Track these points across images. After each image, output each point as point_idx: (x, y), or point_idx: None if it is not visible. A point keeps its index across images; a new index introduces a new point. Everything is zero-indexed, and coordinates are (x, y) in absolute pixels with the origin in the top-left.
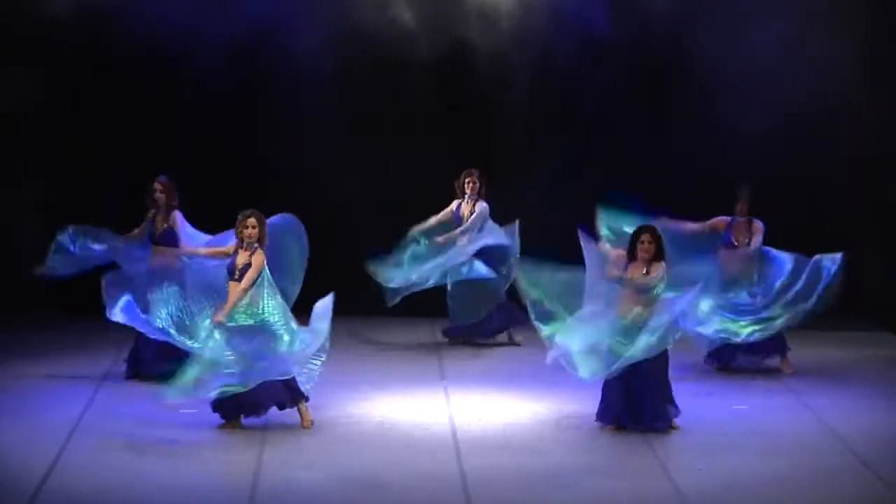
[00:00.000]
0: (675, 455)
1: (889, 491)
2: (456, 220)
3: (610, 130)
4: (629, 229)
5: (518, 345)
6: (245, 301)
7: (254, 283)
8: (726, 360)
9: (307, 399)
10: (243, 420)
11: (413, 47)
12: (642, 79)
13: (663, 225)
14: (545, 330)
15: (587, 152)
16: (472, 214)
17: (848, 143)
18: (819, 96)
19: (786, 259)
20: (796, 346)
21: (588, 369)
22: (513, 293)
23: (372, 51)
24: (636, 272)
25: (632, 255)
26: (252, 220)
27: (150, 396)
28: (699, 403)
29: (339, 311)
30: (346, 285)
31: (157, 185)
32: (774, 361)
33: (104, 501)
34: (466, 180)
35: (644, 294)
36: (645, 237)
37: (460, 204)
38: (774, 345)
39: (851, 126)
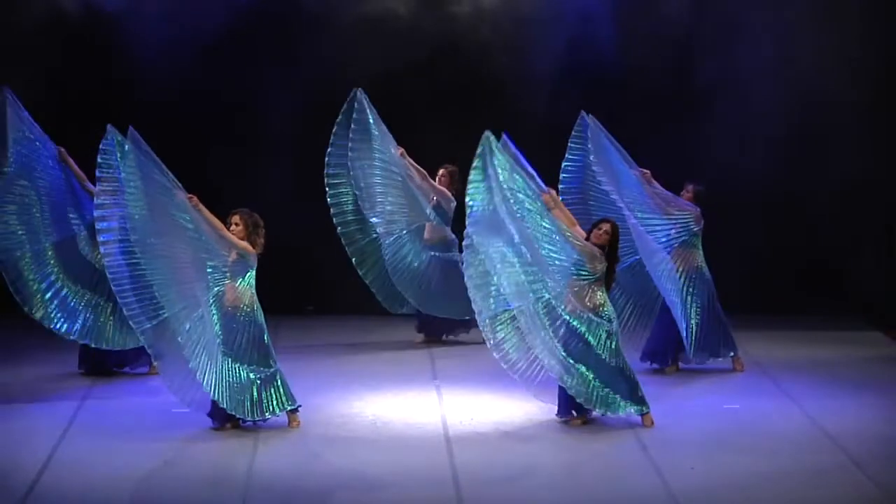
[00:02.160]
0: (666, 454)
1: (880, 491)
2: None
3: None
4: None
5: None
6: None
7: (233, 246)
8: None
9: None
10: (242, 423)
11: (412, 47)
12: (642, 84)
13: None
14: None
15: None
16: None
17: (841, 146)
18: (818, 105)
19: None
20: (789, 345)
21: None
22: None
23: (368, 48)
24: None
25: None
26: (235, 219)
27: (142, 395)
28: (690, 402)
29: (332, 310)
30: (340, 284)
31: None
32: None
33: (97, 500)
34: (440, 173)
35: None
36: (605, 226)
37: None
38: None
39: (845, 129)
